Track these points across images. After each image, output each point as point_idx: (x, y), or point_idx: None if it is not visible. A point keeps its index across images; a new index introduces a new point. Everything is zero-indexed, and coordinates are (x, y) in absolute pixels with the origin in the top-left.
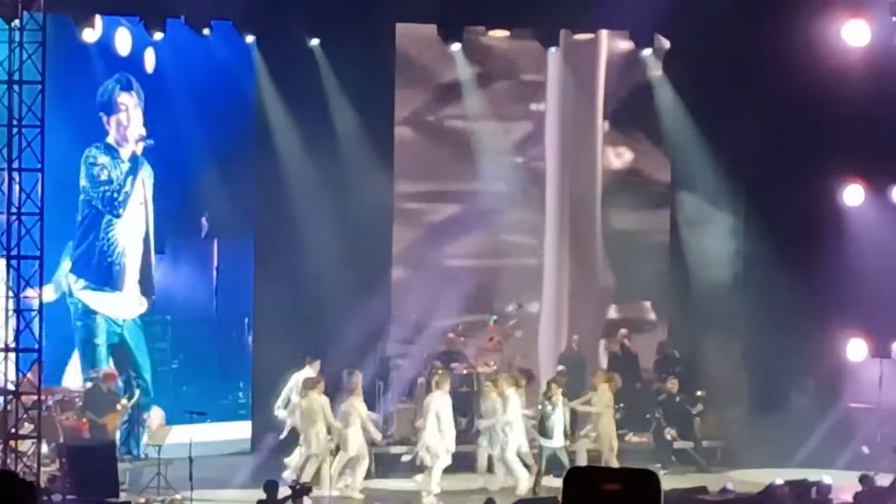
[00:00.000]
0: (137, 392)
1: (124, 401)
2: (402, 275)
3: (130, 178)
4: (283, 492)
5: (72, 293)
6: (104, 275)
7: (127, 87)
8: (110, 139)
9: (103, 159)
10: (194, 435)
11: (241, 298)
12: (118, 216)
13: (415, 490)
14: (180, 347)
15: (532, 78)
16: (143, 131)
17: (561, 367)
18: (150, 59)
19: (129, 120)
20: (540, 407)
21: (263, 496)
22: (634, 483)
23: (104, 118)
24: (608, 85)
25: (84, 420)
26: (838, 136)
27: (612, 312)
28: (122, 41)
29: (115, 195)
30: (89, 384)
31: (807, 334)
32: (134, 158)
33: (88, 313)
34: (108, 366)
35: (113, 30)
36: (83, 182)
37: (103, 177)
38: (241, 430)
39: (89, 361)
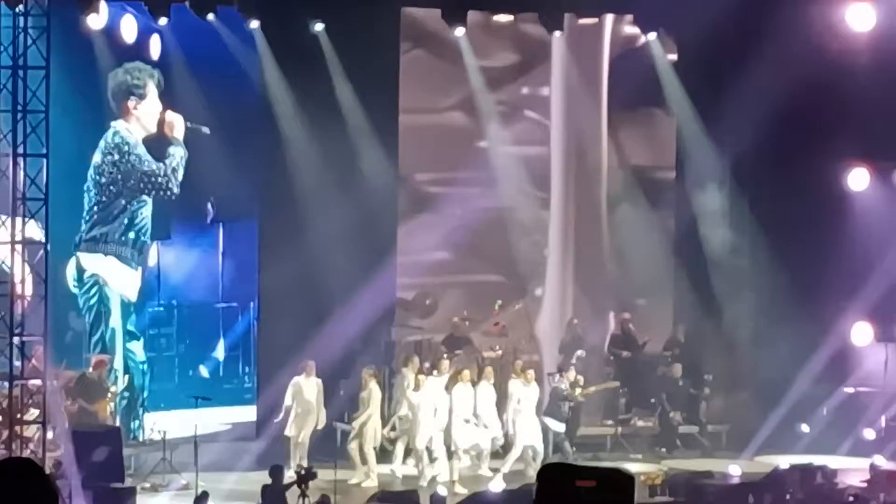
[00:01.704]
0: (126, 377)
1: (113, 388)
2: (406, 259)
3: (175, 160)
4: (289, 477)
5: (81, 277)
6: (137, 252)
7: (151, 75)
8: (140, 123)
9: (137, 142)
10: (199, 419)
11: (246, 283)
12: (174, 194)
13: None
14: (186, 332)
15: (536, 63)
16: (176, 118)
17: (580, 352)
18: (155, 46)
19: (153, 106)
20: (564, 391)
21: (269, 481)
22: (608, 481)
23: (132, 102)
24: (612, 69)
25: (70, 404)
26: (843, 120)
27: (617, 297)
28: (128, 28)
29: (173, 175)
30: (79, 371)
31: (812, 318)
32: (167, 142)
33: (105, 298)
34: (98, 352)
35: (119, 17)
36: (120, 162)
37: (145, 157)
38: (246, 414)
39: (104, 347)
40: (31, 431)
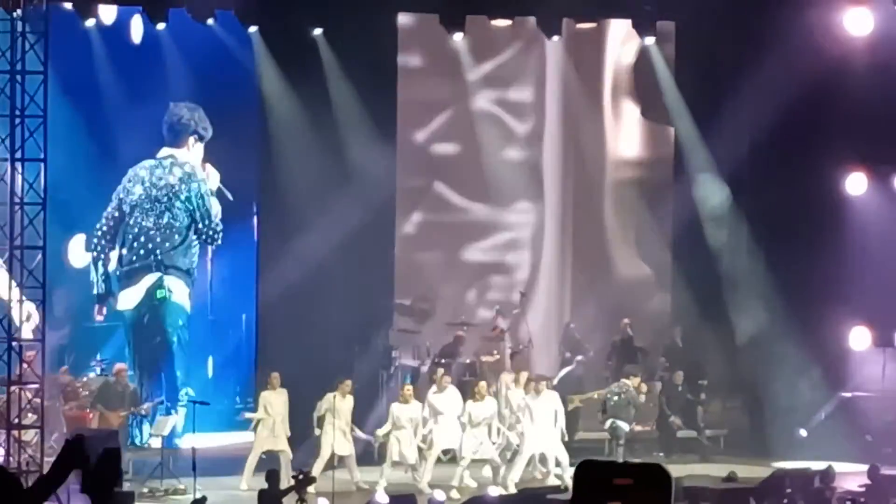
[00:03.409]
0: (162, 398)
1: (147, 405)
2: (404, 265)
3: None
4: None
5: (156, 295)
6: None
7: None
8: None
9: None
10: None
11: (244, 291)
12: (218, 244)
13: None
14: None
15: (534, 67)
16: (213, 172)
17: (581, 357)
18: (136, 29)
19: (201, 152)
20: (629, 395)
21: (265, 485)
22: (646, 478)
23: (192, 139)
24: (610, 73)
25: (88, 410)
26: (841, 124)
27: (615, 300)
28: (107, 10)
29: (220, 224)
30: (102, 378)
31: (810, 323)
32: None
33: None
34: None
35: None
36: (192, 193)
37: (211, 198)
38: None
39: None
40: (30, 436)
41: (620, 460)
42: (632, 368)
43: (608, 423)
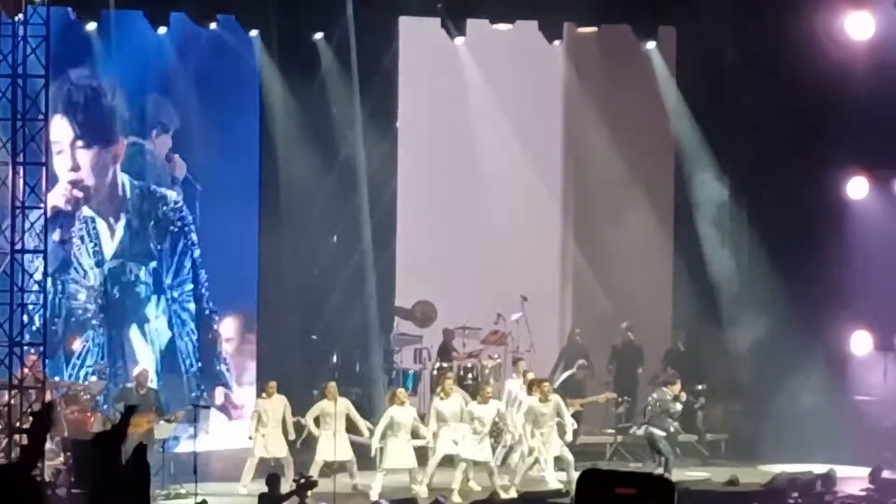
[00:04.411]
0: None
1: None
2: (405, 267)
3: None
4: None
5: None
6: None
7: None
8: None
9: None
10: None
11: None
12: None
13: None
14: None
15: (535, 71)
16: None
17: (582, 362)
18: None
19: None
20: (669, 404)
21: (266, 490)
22: (649, 488)
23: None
24: (611, 77)
25: (90, 414)
26: (842, 128)
27: (616, 305)
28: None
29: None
30: (102, 381)
31: (811, 327)
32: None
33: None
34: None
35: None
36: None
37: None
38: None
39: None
40: None
41: (661, 470)
42: (670, 377)
43: (643, 428)
